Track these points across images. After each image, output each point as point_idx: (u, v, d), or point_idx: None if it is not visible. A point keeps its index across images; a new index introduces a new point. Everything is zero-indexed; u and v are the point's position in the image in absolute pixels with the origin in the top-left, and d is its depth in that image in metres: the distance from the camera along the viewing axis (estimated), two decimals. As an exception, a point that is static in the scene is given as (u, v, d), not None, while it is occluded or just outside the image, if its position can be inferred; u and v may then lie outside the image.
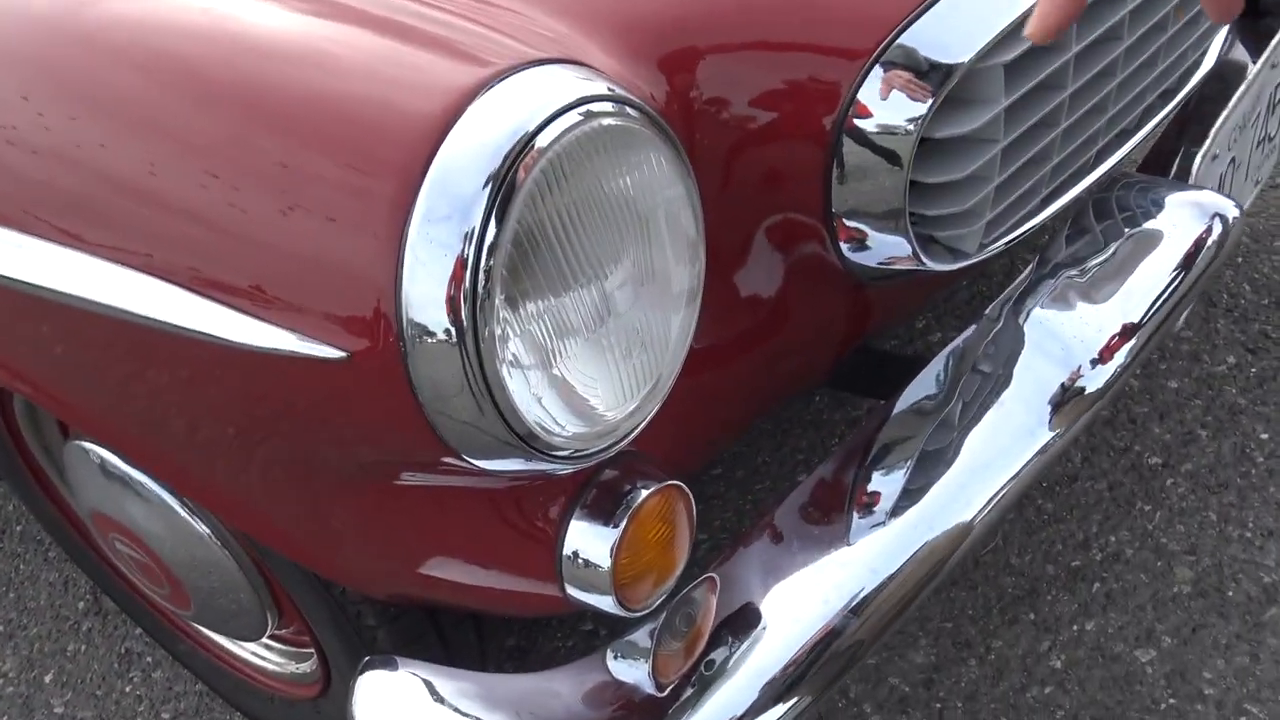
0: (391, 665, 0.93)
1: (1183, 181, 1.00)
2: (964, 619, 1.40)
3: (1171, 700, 1.27)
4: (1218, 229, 0.92)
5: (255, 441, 0.78)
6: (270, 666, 1.39)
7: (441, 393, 0.65)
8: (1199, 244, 0.92)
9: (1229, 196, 1.17)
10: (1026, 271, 1.01)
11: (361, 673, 0.93)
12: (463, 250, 0.62)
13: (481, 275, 0.62)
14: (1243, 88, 1.15)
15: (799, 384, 1.09)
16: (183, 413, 0.81)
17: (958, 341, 1.01)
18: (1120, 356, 0.92)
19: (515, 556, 0.85)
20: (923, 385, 1.02)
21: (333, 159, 0.65)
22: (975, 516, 0.96)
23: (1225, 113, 1.12)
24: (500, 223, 0.62)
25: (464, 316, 0.62)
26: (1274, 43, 1.22)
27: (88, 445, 1.19)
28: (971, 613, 1.41)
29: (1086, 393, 0.94)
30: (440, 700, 0.88)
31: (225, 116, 0.69)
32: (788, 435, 1.68)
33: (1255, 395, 1.58)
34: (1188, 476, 1.50)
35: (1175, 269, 0.94)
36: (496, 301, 0.63)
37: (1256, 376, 1.61)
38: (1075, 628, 1.36)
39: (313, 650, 1.28)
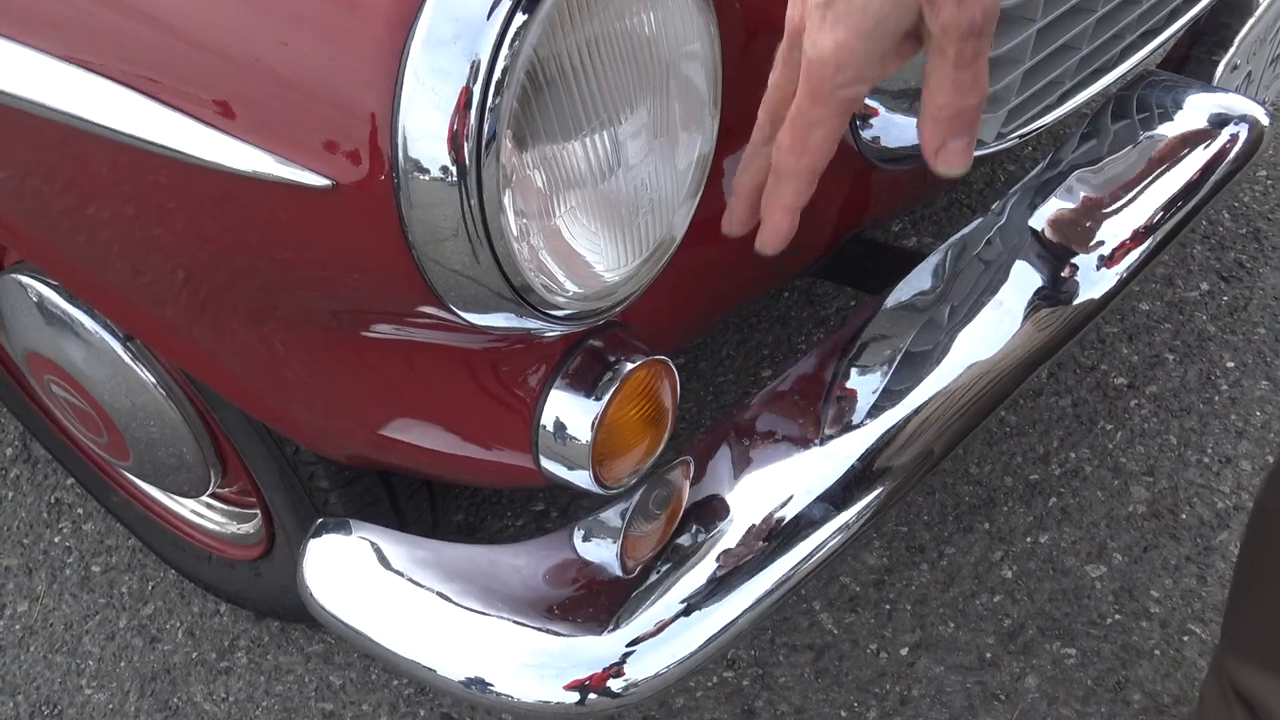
0: (346, 529, 0.89)
1: (1208, 84, 0.95)
2: (919, 524, 1.40)
3: (1118, 616, 1.28)
4: (1244, 135, 0.88)
5: (218, 277, 0.72)
6: (209, 525, 1.34)
7: (435, 235, 0.59)
8: (1223, 151, 0.88)
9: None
10: (1039, 167, 0.97)
11: (315, 535, 0.89)
12: (468, 80, 0.56)
13: (488, 110, 0.55)
14: (1267, 1, 1.11)
15: (788, 269, 1.05)
16: (138, 240, 0.74)
17: (958, 236, 0.97)
18: (1128, 260, 0.89)
19: (488, 423, 0.81)
20: (917, 280, 0.98)
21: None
22: (963, 425, 0.93)
23: (1252, 20, 1.07)
24: (514, 52, 0.56)
25: (466, 154, 0.56)
26: (1302, -44, 1.17)
27: (25, 279, 1.11)
28: (927, 518, 1.40)
29: (1090, 298, 0.91)
30: (393, 568, 0.85)
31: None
32: (753, 330, 1.64)
33: (1225, 323, 1.57)
34: (1152, 399, 1.49)
35: (1196, 174, 0.90)
36: (504, 140, 0.57)
37: (1228, 305, 1.60)
38: (1029, 540, 1.36)
39: (257, 511, 1.23)
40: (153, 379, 1.11)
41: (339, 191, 0.58)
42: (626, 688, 0.82)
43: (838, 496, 0.88)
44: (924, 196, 1.12)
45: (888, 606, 1.32)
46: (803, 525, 0.86)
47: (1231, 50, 1.03)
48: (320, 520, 0.89)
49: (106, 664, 1.40)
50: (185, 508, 1.36)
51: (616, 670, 0.82)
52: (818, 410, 0.92)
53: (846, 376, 0.94)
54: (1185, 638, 1.25)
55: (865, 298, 0.99)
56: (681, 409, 1.56)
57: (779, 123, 0.57)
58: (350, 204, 0.58)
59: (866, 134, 0.88)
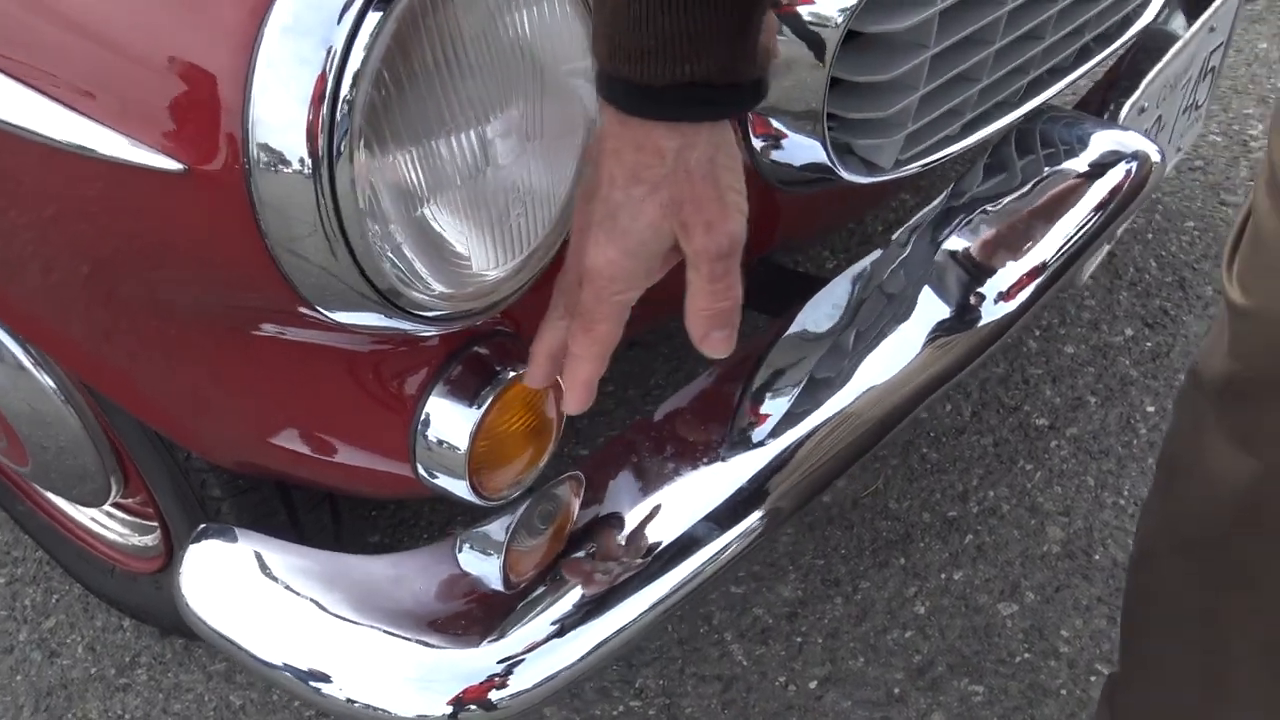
0: (229, 536, 0.87)
1: (1104, 120, 0.97)
2: (836, 557, 1.39)
3: (1027, 654, 1.27)
4: (1137, 171, 0.90)
5: (88, 269, 0.71)
6: (112, 536, 1.32)
7: (291, 231, 0.58)
8: (1116, 188, 0.89)
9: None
10: (941, 198, 0.97)
11: (194, 540, 0.87)
12: (324, 67, 0.55)
13: (343, 101, 0.55)
14: (1179, 44, 1.13)
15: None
16: (13, 230, 0.72)
17: (863, 264, 0.98)
18: (1023, 295, 0.89)
19: (368, 428, 0.80)
20: (820, 306, 0.98)
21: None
22: (855, 450, 0.93)
23: (1160, 65, 1.09)
24: (370, 44, 0.55)
25: (320, 146, 0.55)
26: (1213, 6, 1.20)
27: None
28: (844, 552, 1.40)
29: (986, 329, 0.91)
30: (271, 575, 0.83)
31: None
32: (683, 360, 1.64)
33: (1147, 369, 1.59)
34: (1071, 440, 1.50)
35: (1090, 211, 0.91)
36: (359, 133, 0.56)
37: (1151, 351, 1.61)
38: (943, 576, 1.36)
39: (156, 522, 1.20)
40: (52, 384, 1.09)
41: (191, 176, 0.57)
42: (500, 701, 0.80)
43: (731, 515, 0.87)
44: (833, 223, 1.13)
45: (799, 639, 1.31)
46: (692, 543, 0.85)
47: (1138, 93, 1.05)
48: (202, 526, 0.87)
49: (2, 678, 1.37)
50: (87, 516, 1.34)
51: (490, 684, 0.80)
52: (718, 431, 0.92)
53: (749, 398, 0.94)
54: (1092, 678, 1.24)
55: (765, 320, 0.99)
56: (606, 435, 1.55)
57: (572, 307, 0.64)
58: (202, 190, 0.58)
59: (776, 156, 0.88)
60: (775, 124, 0.82)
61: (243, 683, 1.32)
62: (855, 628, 1.32)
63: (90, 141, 0.59)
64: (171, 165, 0.57)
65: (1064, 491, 1.44)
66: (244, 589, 0.83)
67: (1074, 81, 1.05)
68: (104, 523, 1.33)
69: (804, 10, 0.75)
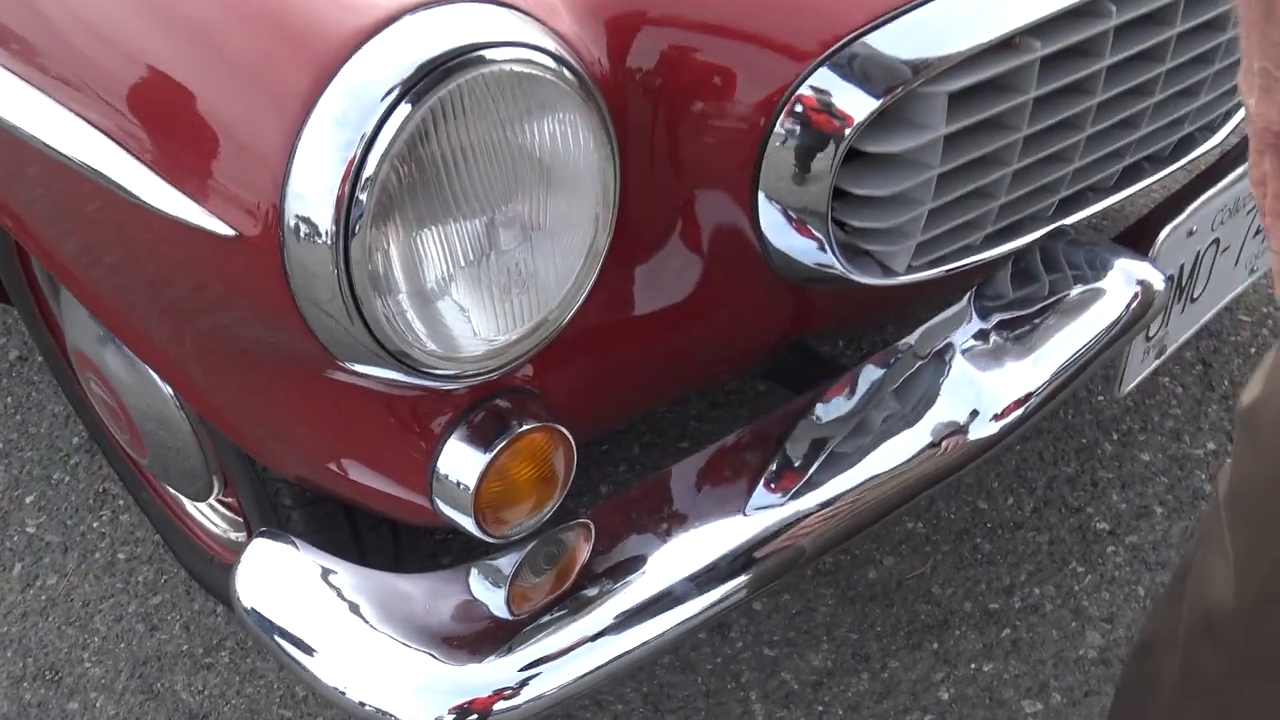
0: (282, 539, 0.99)
1: (1128, 248, 1.00)
2: (870, 634, 1.43)
3: (1043, 754, 1.28)
4: (1140, 298, 0.93)
5: (170, 301, 0.85)
6: (213, 529, 1.47)
7: (314, 295, 0.70)
8: (1119, 317, 0.93)
9: (1202, 277, 1.18)
10: (960, 304, 1.02)
11: (255, 538, 1.00)
12: (355, 152, 0.67)
13: (363, 183, 0.66)
14: (1238, 170, 1.15)
15: (732, 367, 1.13)
16: (115, 262, 0.87)
17: (882, 367, 1.03)
18: (1014, 416, 0.94)
19: (396, 459, 0.91)
20: (841, 395, 1.05)
21: (261, 37, 0.70)
22: (860, 517, 0.99)
23: (1211, 191, 1.12)
24: (392, 139, 0.67)
25: (340, 220, 0.67)
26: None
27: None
28: (879, 629, 1.43)
29: (978, 440, 0.96)
30: (310, 578, 0.94)
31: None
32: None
33: (1223, 485, 1.57)
34: (1130, 548, 1.50)
35: (1100, 331, 0.95)
36: (375, 211, 0.67)
37: (1230, 467, 1.59)
38: (973, 666, 1.38)
39: (243, 521, 1.35)
40: (170, 391, 1.25)
41: (240, 241, 0.70)
42: (495, 713, 0.89)
43: (717, 577, 0.95)
44: (869, 315, 1.19)
45: (820, 708, 1.36)
46: (677, 597, 0.93)
47: (1182, 216, 1.08)
48: (261, 529, 1.00)
49: (109, 643, 1.54)
50: (197, 509, 1.50)
51: (489, 699, 0.90)
52: (737, 488, 1.00)
53: (758, 470, 1.01)
54: (1106, 788, 1.25)
55: (789, 396, 1.06)
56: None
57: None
58: (248, 254, 0.70)
59: (788, 253, 0.95)
60: (786, 222, 0.90)
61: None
62: (876, 704, 1.35)
63: (165, 204, 0.72)
64: (225, 230, 0.70)
65: (1111, 598, 1.44)
66: (283, 587, 0.95)
67: (1118, 202, 1.09)
68: (208, 516, 1.49)
69: (806, 128, 0.83)
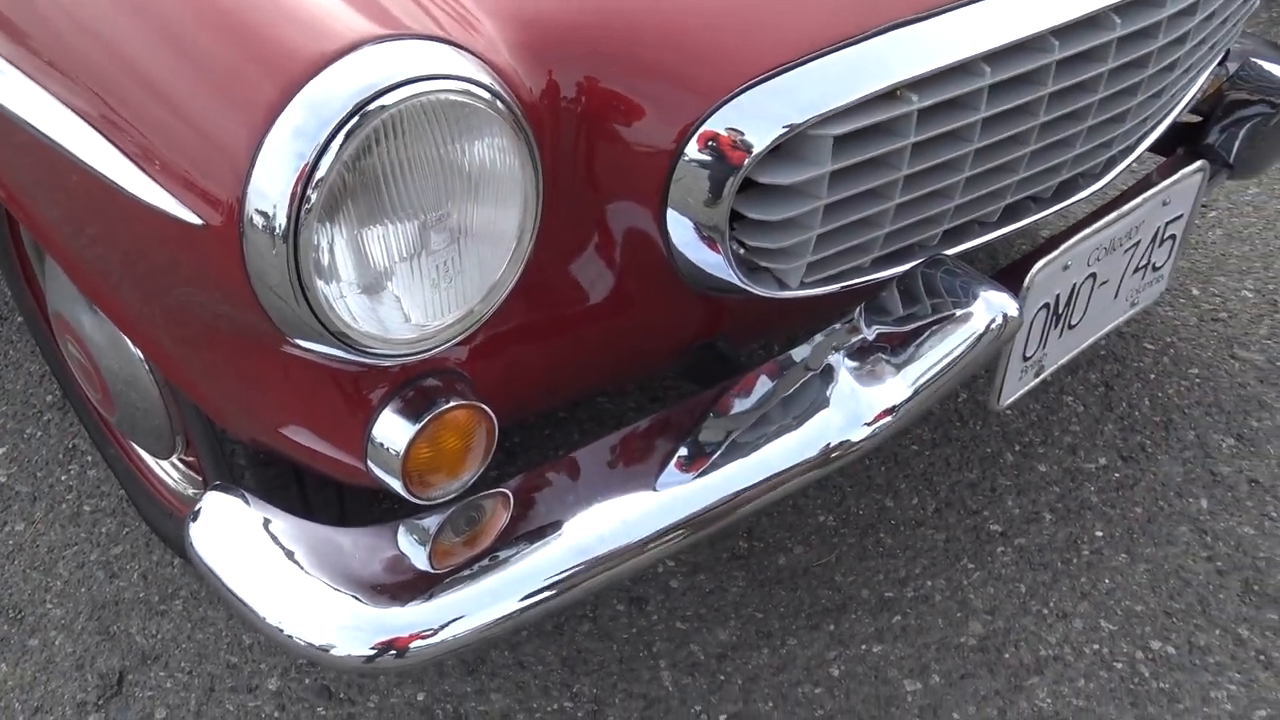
0: (234, 492, 1.11)
1: (1010, 278, 1.13)
2: (774, 614, 1.56)
3: (917, 728, 1.42)
4: (1000, 326, 1.06)
5: (142, 275, 0.96)
6: (173, 484, 1.59)
7: (267, 279, 0.82)
8: (984, 334, 1.06)
9: (1079, 308, 1.31)
10: (855, 316, 1.15)
11: (209, 490, 1.12)
12: (307, 161, 0.79)
13: (314, 185, 0.79)
14: (1115, 214, 1.28)
15: (647, 365, 1.25)
16: (95, 237, 0.99)
17: (779, 371, 1.16)
18: (880, 425, 1.06)
19: (337, 426, 1.03)
20: (743, 393, 1.17)
21: (238, 50, 0.82)
22: (745, 502, 1.12)
23: (1087, 231, 1.25)
24: (339, 152, 0.79)
25: (292, 215, 0.79)
26: (1168, 181, 1.35)
27: (59, 253, 1.38)
28: (783, 610, 1.57)
29: (853, 445, 1.09)
30: (253, 526, 1.06)
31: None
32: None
33: (1109, 497, 1.71)
34: (1018, 550, 1.64)
35: (962, 350, 1.08)
36: (322, 209, 0.80)
37: (1117, 482, 1.73)
38: (864, 647, 1.51)
39: (202, 479, 1.47)
40: (140, 354, 1.36)
41: (207, 230, 0.82)
42: (412, 652, 1.01)
43: (647, 539, 1.07)
44: (778, 323, 1.32)
45: (722, 677, 1.49)
46: (579, 559, 1.05)
47: (1056, 252, 1.21)
48: (216, 482, 1.12)
49: (70, 587, 1.65)
50: (160, 466, 1.61)
51: (406, 638, 1.02)
52: (647, 467, 1.12)
53: (680, 446, 1.14)
54: (971, 760, 1.38)
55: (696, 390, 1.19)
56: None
57: None
58: (213, 242, 0.82)
59: (694, 263, 1.08)
60: (692, 238, 1.03)
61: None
62: (774, 677, 1.48)
63: (141, 192, 0.84)
64: (193, 218, 0.82)
65: (995, 593, 1.58)
66: (231, 533, 1.07)
67: (1000, 237, 1.22)
68: (170, 473, 1.60)
69: (707, 158, 0.96)
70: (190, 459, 1.56)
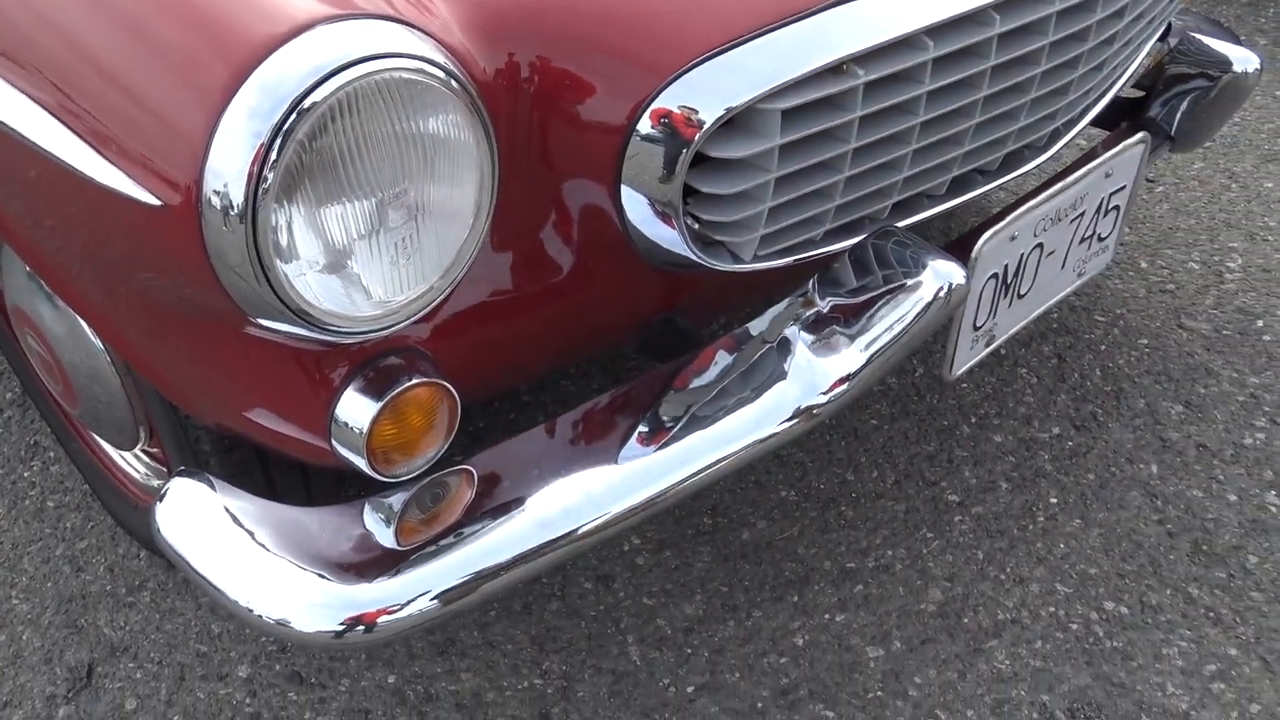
0: (200, 477, 1.12)
1: (958, 249, 1.16)
2: (739, 587, 1.59)
3: (879, 692, 1.45)
4: (948, 294, 1.09)
5: (104, 262, 0.97)
6: (137, 476, 1.59)
7: (227, 259, 0.83)
8: (934, 302, 1.09)
9: (1027, 277, 1.35)
10: (809, 288, 1.18)
11: (175, 476, 1.13)
12: (263, 142, 0.80)
13: (270, 165, 0.80)
14: (1059, 185, 1.32)
15: (607, 340, 1.27)
16: (55, 225, 0.99)
17: (737, 345, 1.18)
18: (836, 393, 1.09)
19: (301, 406, 1.04)
20: (702, 367, 1.20)
21: (193, 32, 0.83)
22: (705, 473, 1.14)
23: (1033, 203, 1.28)
24: (293, 132, 0.80)
25: (250, 195, 0.80)
26: (1110, 153, 1.38)
27: (15, 245, 1.37)
28: (748, 584, 1.59)
29: (814, 411, 1.11)
30: (220, 509, 1.07)
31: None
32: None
33: (1062, 465, 1.75)
34: (975, 518, 1.67)
35: (911, 319, 1.11)
36: (279, 189, 0.81)
37: (1070, 450, 1.77)
38: (827, 616, 1.54)
39: (167, 469, 1.47)
40: (101, 346, 1.37)
41: (164, 210, 0.83)
42: (378, 626, 1.03)
43: (609, 513, 1.09)
44: (736, 298, 1.34)
45: (689, 650, 1.51)
46: (540, 536, 1.07)
47: (1003, 223, 1.24)
48: (180, 468, 1.13)
49: (36, 582, 1.65)
50: (123, 458, 1.61)
51: (373, 614, 1.03)
52: (609, 441, 1.14)
53: (641, 421, 1.16)
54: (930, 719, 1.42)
55: (654, 365, 1.21)
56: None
57: None
58: (171, 222, 0.83)
59: (649, 238, 1.09)
60: (646, 213, 1.05)
61: (225, 615, 1.58)
62: (739, 648, 1.51)
63: (99, 175, 0.85)
64: (152, 200, 0.82)
65: (954, 561, 1.61)
66: (197, 516, 1.08)
67: (948, 209, 1.25)
68: (134, 465, 1.60)
69: (660, 132, 0.98)
70: (154, 450, 1.56)
